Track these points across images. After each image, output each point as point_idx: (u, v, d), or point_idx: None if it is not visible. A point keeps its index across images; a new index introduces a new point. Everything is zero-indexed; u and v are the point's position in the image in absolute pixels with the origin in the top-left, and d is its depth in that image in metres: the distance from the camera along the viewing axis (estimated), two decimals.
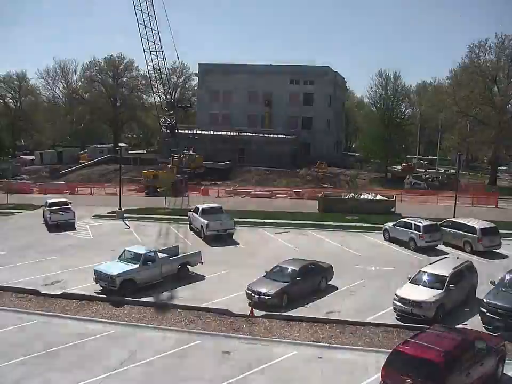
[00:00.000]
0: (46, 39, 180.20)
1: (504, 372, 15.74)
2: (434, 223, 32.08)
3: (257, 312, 20.84)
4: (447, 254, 28.98)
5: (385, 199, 44.92)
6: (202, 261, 26.28)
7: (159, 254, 24.99)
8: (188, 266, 25.89)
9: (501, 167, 74.88)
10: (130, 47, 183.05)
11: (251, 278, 23.33)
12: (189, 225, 36.85)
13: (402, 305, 20.03)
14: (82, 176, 69.30)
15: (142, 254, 24.05)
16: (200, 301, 22.20)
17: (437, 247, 31.09)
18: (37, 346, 17.74)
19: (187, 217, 37.64)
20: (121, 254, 24.99)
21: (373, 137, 64.94)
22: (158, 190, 48.91)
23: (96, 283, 23.55)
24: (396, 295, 20.51)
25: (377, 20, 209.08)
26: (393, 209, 42.45)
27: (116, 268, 23.42)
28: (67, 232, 36.71)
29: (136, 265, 23.55)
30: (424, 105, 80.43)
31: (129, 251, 24.89)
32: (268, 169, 65.65)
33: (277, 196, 53.81)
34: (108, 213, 43.31)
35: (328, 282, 24.18)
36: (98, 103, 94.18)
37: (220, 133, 71.97)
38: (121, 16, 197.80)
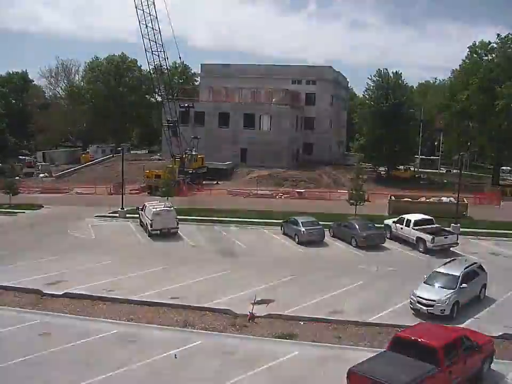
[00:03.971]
0: (48, 39, 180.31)
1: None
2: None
3: (259, 312, 20.85)
4: None
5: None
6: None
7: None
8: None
9: (504, 168, 74.60)
10: (132, 46, 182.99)
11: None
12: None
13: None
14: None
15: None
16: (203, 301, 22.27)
17: None
18: (39, 346, 17.74)
19: (188, 217, 39.21)
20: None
21: (372, 137, 64.64)
22: (159, 190, 48.87)
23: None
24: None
25: (378, 18, 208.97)
26: (465, 213, 40.77)
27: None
28: (68, 232, 36.73)
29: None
30: (426, 106, 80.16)
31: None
32: (269, 169, 65.59)
33: (280, 195, 53.87)
34: (110, 213, 43.31)
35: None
36: (100, 103, 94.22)
37: (222, 133, 71.92)
38: (123, 16, 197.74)
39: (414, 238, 31.66)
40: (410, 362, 14.09)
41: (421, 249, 30.95)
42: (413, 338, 14.83)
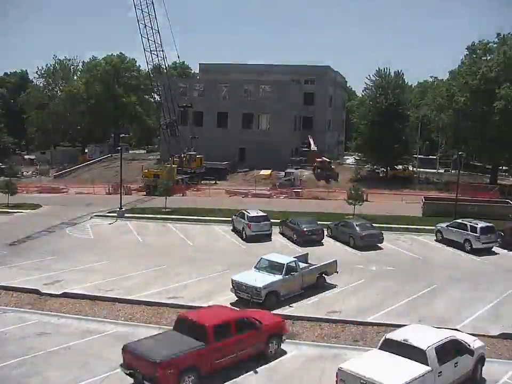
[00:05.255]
0: (46, 38, 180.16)
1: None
2: (491, 224, 32.25)
3: None
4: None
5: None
6: (338, 270, 24.67)
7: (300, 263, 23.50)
8: (324, 276, 24.14)
9: (503, 168, 74.46)
10: (131, 46, 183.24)
11: None
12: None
13: None
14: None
15: (284, 264, 22.44)
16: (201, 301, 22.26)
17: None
18: (37, 346, 17.72)
19: (189, 216, 40.11)
20: (258, 263, 23.27)
21: (370, 137, 64.57)
22: (158, 189, 48.92)
23: (235, 294, 22.23)
24: None
25: (377, 18, 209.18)
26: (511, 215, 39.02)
27: (258, 278, 21.77)
28: (67, 231, 36.71)
29: (279, 276, 22.00)
30: (424, 105, 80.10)
31: (268, 260, 23.20)
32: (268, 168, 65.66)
33: (277, 195, 53.91)
34: (108, 212, 43.28)
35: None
36: (98, 102, 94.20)
37: (220, 133, 71.93)
38: (122, 15, 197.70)
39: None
40: (181, 339, 15.20)
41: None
42: (189, 318, 16.02)
